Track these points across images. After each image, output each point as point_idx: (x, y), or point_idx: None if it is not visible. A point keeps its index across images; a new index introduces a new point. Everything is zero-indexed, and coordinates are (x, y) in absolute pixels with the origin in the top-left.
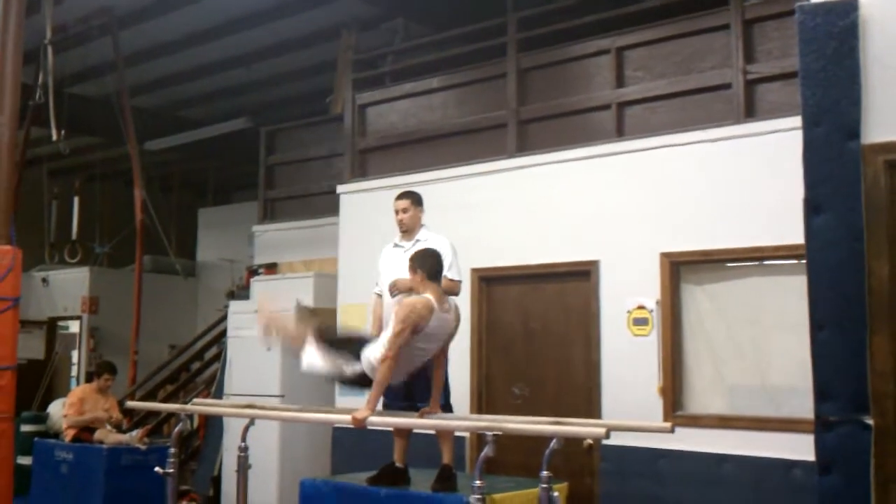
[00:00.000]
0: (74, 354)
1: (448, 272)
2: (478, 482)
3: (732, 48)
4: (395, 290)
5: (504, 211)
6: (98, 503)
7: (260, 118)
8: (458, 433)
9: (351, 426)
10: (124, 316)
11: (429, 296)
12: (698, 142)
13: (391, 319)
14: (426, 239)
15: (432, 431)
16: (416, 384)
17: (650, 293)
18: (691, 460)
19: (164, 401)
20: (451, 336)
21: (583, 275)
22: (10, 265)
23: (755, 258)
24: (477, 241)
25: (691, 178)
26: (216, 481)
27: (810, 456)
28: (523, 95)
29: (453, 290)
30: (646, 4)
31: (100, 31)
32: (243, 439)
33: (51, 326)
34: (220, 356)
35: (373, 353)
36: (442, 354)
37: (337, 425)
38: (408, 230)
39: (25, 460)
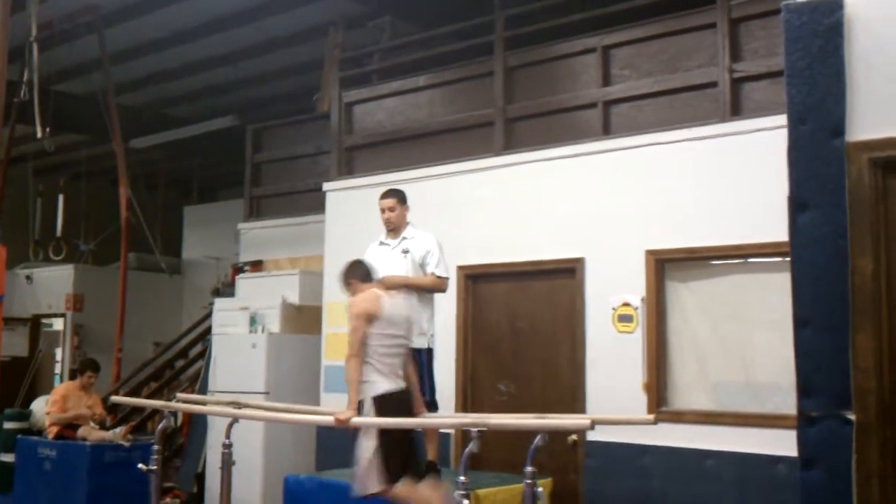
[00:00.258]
0: (58, 352)
1: (436, 269)
2: (462, 478)
3: (719, 47)
4: (385, 286)
5: (490, 209)
6: (82, 500)
7: (246, 116)
8: (442, 430)
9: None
10: (109, 313)
11: (372, 288)
12: (684, 140)
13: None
14: (412, 236)
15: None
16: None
17: (635, 290)
18: (675, 456)
19: (149, 398)
20: (410, 324)
21: (568, 272)
22: None
23: (740, 256)
24: (463, 239)
25: (677, 176)
26: (200, 478)
27: (794, 451)
28: (510, 93)
29: (440, 286)
30: (632, 3)
31: (85, 28)
32: (227, 436)
33: (35, 324)
34: (204, 353)
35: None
36: (408, 361)
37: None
38: (395, 228)
39: (8, 457)
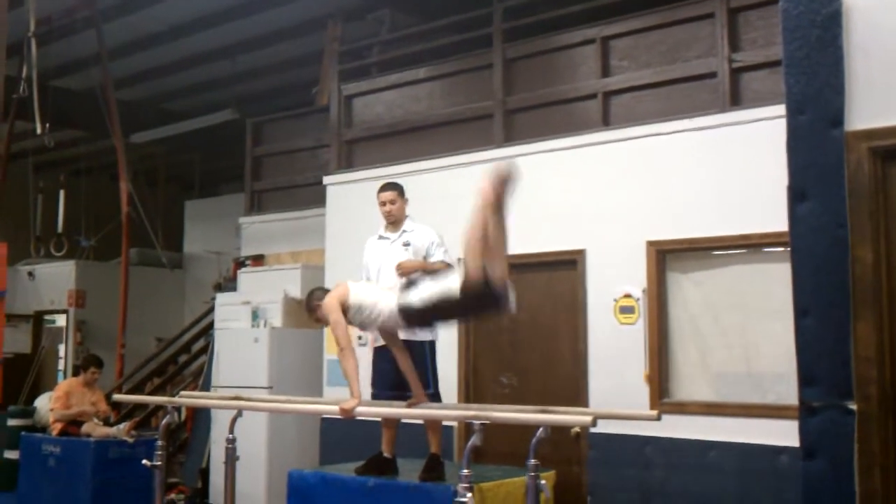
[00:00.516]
0: (61, 348)
1: (444, 256)
2: (465, 471)
3: (717, 37)
4: (401, 270)
5: None
6: (86, 496)
7: (246, 110)
8: (445, 423)
9: (339, 417)
10: (111, 309)
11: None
12: (684, 130)
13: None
14: (412, 229)
15: (420, 421)
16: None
17: (636, 282)
18: (678, 447)
19: (152, 394)
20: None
21: (569, 264)
22: None
23: (741, 246)
24: (463, 232)
25: (677, 166)
26: (204, 473)
27: (796, 442)
28: (509, 85)
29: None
30: None
31: (84, 23)
32: (231, 431)
33: (37, 320)
34: (207, 348)
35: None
36: (400, 352)
37: (325, 416)
38: (395, 221)
39: (12, 454)
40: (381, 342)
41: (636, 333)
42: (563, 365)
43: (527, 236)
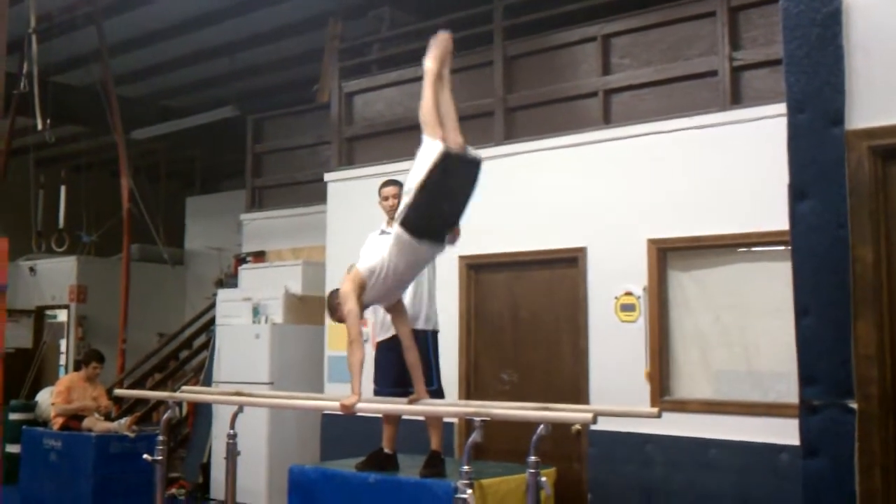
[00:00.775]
0: (62, 343)
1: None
2: (466, 467)
3: (718, 35)
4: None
5: (491, 198)
6: (87, 491)
7: (246, 107)
8: (446, 419)
9: (339, 413)
10: (112, 305)
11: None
12: (685, 129)
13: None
14: None
15: (421, 417)
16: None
17: (637, 279)
18: (678, 445)
19: (153, 389)
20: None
21: (570, 261)
22: None
23: (742, 244)
24: (465, 229)
25: (678, 164)
26: (205, 468)
27: (796, 440)
28: (510, 83)
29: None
30: None
31: (84, 19)
32: (232, 426)
33: (38, 315)
34: (208, 344)
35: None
36: (411, 343)
37: (326, 412)
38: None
39: (14, 448)
40: (384, 336)
41: (637, 331)
42: (563, 362)
43: (528, 234)
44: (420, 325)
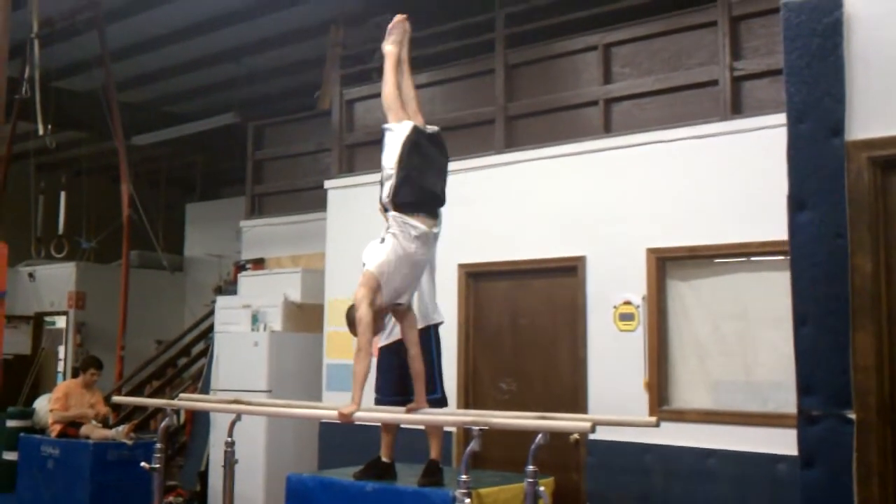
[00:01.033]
0: (61, 350)
1: None
2: (464, 477)
3: (719, 45)
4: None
5: (491, 207)
6: (84, 498)
7: (247, 113)
8: (445, 428)
9: (338, 422)
10: (111, 311)
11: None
12: (685, 138)
13: None
14: None
15: (420, 426)
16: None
17: (636, 289)
18: (677, 455)
19: (151, 396)
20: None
21: (570, 270)
22: None
23: (741, 254)
24: (464, 237)
25: (678, 174)
26: (203, 476)
27: (795, 451)
28: (511, 91)
29: None
30: (633, 1)
31: (87, 25)
32: (230, 434)
33: (37, 322)
34: (207, 352)
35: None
36: (417, 353)
37: (324, 420)
38: None
39: (11, 456)
40: (386, 341)
41: (636, 340)
42: (562, 371)
43: (527, 243)
44: (420, 324)
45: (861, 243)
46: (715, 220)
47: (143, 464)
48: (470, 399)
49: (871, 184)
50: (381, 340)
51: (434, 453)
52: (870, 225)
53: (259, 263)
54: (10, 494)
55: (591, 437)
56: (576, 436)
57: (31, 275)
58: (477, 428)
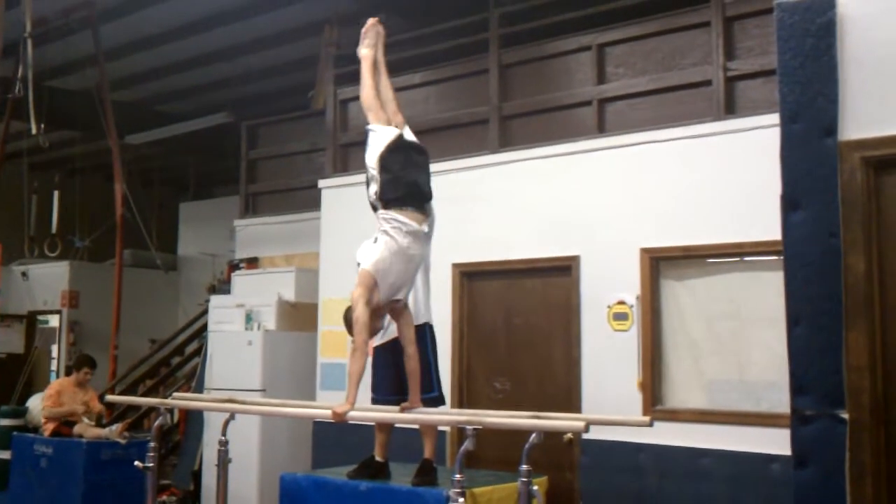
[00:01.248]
0: (54, 349)
1: None
2: (458, 476)
3: (713, 45)
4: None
5: (486, 206)
6: (77, 497)
7: (241, 113)
8: (438, 427)
9: (331, 421)
10: (104, 310)
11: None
12: (679, 138)
13: None
14: None
15: (414, 426)
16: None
17: (630, 288)
18: (670, 454)
19: (145, 395)
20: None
21: (563, 270)
22: None
23: (735, 254)
24: (458, 237)
25: (672, 174)
26: (196, 476)
27: (788, 450)
28: (505, 91)
29: None
30: (627, 1)
31: (80, 24)
32: (223, 434)
33: (30, 320)
34: (200, 351)
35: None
36: (413, 352)
37: (317, 419)
38: None
39: (4, 455)
40: (381, 340)
41: (629, 340)
42: (556, 371)
43: (521, 242)
44: (416, 322)
45: (854, 243)
46: (709, 219)
47: (136, 463)
48: (464, 398)
49: (864, 184)
50: (377, 339)
51: (428, 452)
52: (863, 225)
53: (253, 263)
54: (2, 493)
55: (585, 436)
56: (570, 435)
57: (24, 274)
58: (471, 427)
